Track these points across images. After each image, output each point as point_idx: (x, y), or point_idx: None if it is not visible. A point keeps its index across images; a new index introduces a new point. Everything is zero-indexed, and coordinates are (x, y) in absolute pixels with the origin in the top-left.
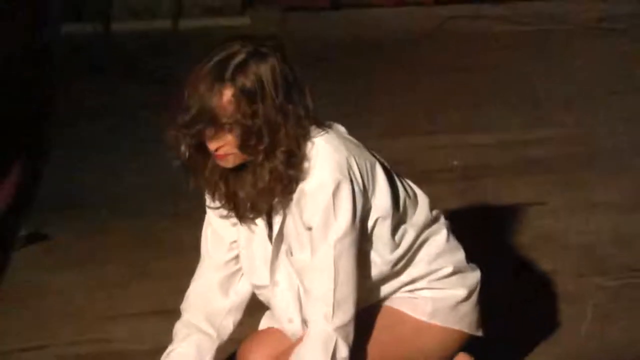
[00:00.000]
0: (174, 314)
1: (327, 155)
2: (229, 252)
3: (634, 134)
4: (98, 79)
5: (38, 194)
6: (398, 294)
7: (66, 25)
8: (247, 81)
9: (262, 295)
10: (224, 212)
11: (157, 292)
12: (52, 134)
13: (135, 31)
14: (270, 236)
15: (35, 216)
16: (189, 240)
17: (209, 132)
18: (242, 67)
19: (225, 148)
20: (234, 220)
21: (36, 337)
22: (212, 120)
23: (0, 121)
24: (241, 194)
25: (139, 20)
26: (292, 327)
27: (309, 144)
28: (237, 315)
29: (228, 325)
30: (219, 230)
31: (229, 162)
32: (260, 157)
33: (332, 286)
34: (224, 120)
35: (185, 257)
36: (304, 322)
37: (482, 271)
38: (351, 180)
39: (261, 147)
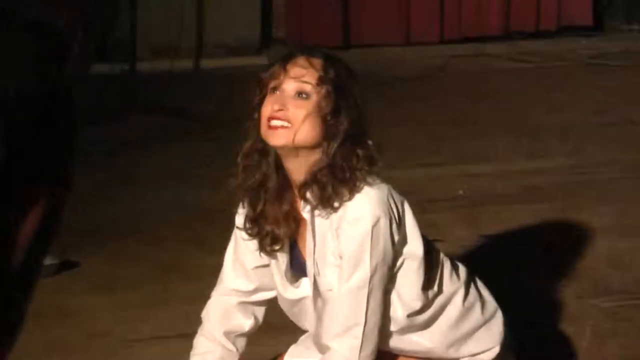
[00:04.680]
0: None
1: (369, 189)
2: (248, 283)
3: (627, 162)
4: (123, 115)
5: (65, 223)
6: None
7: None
8: (336, 69)
9: (296, 308)
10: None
11: (179, 316)
12: (78, 167)
13: (158, 70)
14: (287, 269)
15: (64, 244)
16: (209, 267)
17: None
18: (332, 60)
19: (292, 112)
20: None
21: (64, 359)
22: (306, 52)
23: (28, 152)
24: (267, 227)
25: (162, 59)
26: None
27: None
28: (251, 333)
29: (243, 342)
30: (242, 256)
31: (280, 136)
32: (340, 138)
33: (363, 320)
34: (317, 71)
35: (206, 283)
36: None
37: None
38: (390, 218)
39: (342, 127)
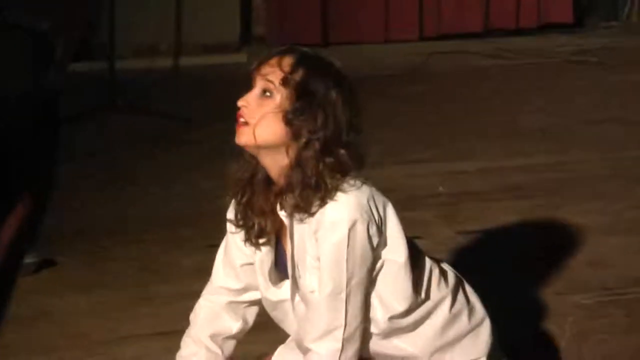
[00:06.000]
0: (176, 334)
1: (348, 193)
2: (237, 281)
3: (609, 161)
4: (102, 115)
5: (46, 223)
6: None
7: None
8: (309, 70)
9: (278, 310)
10: (235, 228)
11: (159, 314)
12: (59, 168)
13: (138, 68)
14: (272, 268)
15: (44, 244)
16: (188, 266)
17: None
18: (306, 60)
19: (251, 110)
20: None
21: (45, 358)
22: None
23: (8, 155)
24: (254, 219)
25: (142, 58)
26: None
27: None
28: (240, 336)
29: (231, 345)
30: (231, 253)
31: (242, 134)
32: (303, 141)
33: (343, 323)
34: (284, 70)
35: (185, 282)
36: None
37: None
38: (368, 221)
39: (305, 129)
